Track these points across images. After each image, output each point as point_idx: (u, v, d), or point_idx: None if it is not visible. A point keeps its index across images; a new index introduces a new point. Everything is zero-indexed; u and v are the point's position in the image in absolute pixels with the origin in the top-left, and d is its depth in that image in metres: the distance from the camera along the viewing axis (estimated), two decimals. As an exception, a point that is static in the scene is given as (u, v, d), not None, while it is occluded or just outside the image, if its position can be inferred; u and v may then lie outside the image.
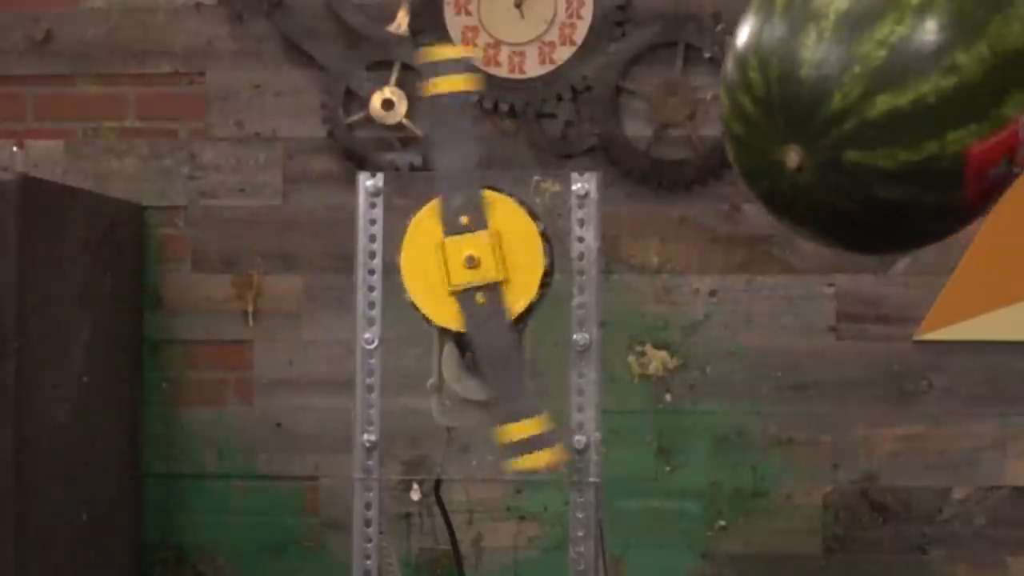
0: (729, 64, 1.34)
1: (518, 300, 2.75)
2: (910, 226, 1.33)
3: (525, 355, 2.78)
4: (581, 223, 2.85)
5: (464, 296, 2.74)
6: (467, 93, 2.39)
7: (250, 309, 3.87)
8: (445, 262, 2.73)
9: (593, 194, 2.85)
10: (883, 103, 1.22)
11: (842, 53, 1.21)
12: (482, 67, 3.78)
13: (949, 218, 1.33)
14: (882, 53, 1.22)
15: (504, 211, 2.77)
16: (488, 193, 2.78)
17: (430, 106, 2.46)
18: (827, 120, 1.23)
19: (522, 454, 2.63)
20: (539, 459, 2.59)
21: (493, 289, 2.74)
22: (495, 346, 2.74)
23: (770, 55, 1.25)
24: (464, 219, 2.66)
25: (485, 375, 2.70)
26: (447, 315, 2.77)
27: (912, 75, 1.21)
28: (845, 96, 1.22)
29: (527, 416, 2.60)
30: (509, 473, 2.64)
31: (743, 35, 1.33)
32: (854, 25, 1.22)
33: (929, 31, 1.22)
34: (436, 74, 2.51)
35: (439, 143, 2.57)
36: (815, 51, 1.22)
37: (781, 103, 1.26)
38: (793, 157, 1.26)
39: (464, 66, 2.52)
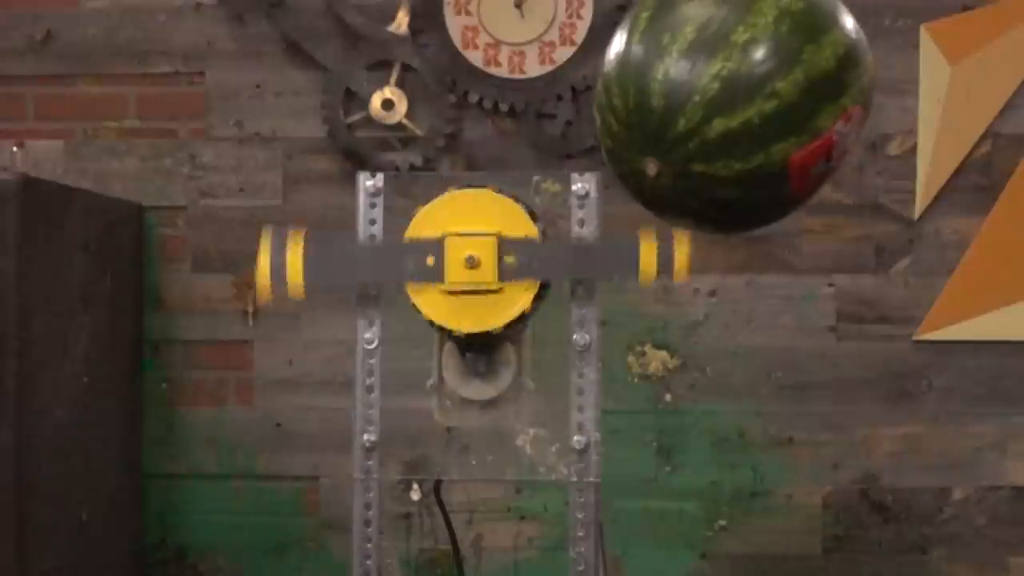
0: (599, 87, 1.63)
1: (518, 301, 2.75)
2: (749, 216, 1.66)
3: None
4: (581, 223, 2.85)
5: (504, 275, 2.70)
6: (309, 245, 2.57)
7: (250, 309, 3.87)
8: (444, 260, 2.73)
9: (593, 194, 2.85)
10: (719, 125, 1.53)
11: (684, 85, 1.51)
12: (483, 68, 3.79)
13: (780, 208, 1.66)
14: (716, 85, 1.52)
15: (504, 211, 2.77)
16: (488, 193, 2.78)
17: None
18: (675, 140, 1.53)
19: (674, 271, 2.55)
20: (683, 254, 2.47)
21: (503, 244, 2.70)
22: (563, 254, 2.68)
23: (629, 85, 1.55)
24: (431, 260, 2.66)
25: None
26: (447, 315, 2.77)
27: (740, 102, 1.52)
28: (688, 121, 1.53)
29: (635, 246, 2.52)
30: (681, 280, 2.57)
31: (609, 62, 1.61)
32: (693, 62, 1.52)
33: (753, 64, 1.52)
34: None
35: (350, 283, 2.67)
36: (663, 84, 1.52)
37: (639, 125, 1.56)
38: (651, 167, 1.58)
39: (281, 246, 2.60)
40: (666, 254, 2.57)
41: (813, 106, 1.57)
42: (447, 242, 2.71)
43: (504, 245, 2.66)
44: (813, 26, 1.57)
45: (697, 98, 1.53)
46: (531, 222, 2.74)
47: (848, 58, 1.59)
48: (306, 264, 2.67)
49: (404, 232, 2.78)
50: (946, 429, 3.74)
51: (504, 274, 2.65)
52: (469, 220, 2.76)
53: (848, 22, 1.64)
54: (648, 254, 2.64)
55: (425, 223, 2.77)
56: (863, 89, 1.63)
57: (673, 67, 1.53)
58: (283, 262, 2.63)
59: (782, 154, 1.57)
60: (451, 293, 2.73)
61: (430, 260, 2.70)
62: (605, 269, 2.54)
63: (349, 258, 2.67)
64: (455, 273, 2.72)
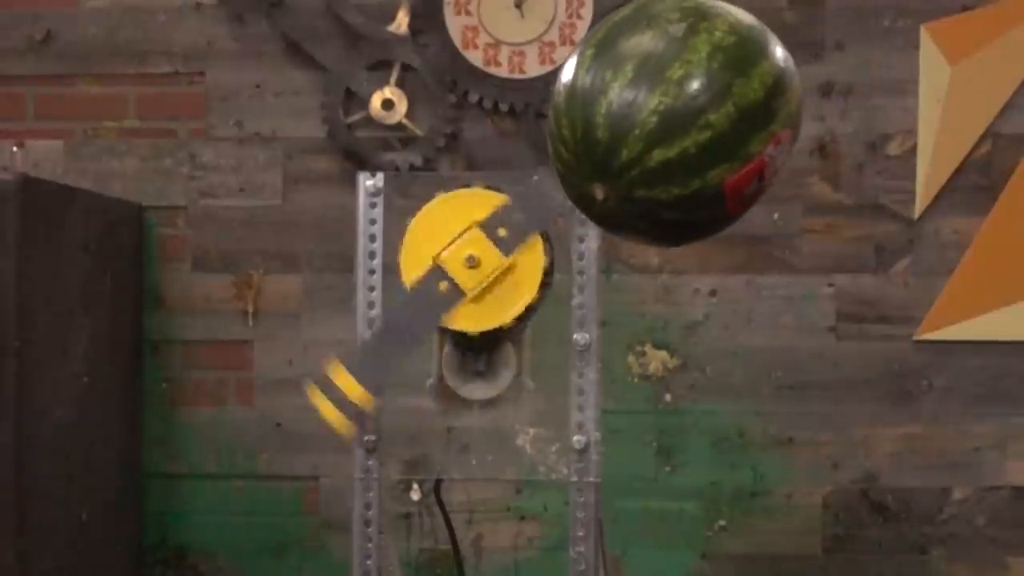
0: (550, 116, 1.76)
1: (518, 300, 2.76)
2: (691, 233, 1.79)
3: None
4: (581, 223, 2.85)
5: (436, 271, 2.73)
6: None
7: (250, 309, 3.87)
8: (456, 239, 2.73)
9: (593, 194, 2.85)
10: (658, 155, 1.66)
11: (626, 119, 1.65)
12: (483, 68, 3.79)
13: (719, 224, 1.77)
14: (654, 119, 1.65)
15: (484, 204, 2.77)
16: (488, 193, 2.78)
17: None
18: (620, 168, 1.67)
19: (325, 394, 2.72)
20: (329, 410, 2.70)
21: (457, 293, 2.73)
22: (409, 326, 2.74)
23: (576, 118, 1.69)
24: (503, 232, 2.69)
25: (381, 331, 2.77)
26: (450, 315, 2.77)
27: (677, 134, 1.65)
28: (630, 152, 1.66)
29: (364, 385, 2.69)
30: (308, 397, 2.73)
31: (559, 92, 1.75)
32: (632, 99, 1.67)
33: (688, 99, 1.65)
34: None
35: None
36: (607, 117, 1.66)
37: (586, 155, 1.69)
38: (599, 193, 1.71)
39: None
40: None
41: (744, 134, 1.71)
42: (441, 260, 2.72)
43: (487, 226, 2.71)
44: (743, 59, 1.72)
45: (638, 131, 1.67)
46: (539, 241, 2.75)
47: (776, 87, 1.76)
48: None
49: (406, 229, 2.80)
50: (946, 429, 3.74)
51: (507, 245, 2.69)
52: (458, 223, 2.76)
53: (777, 51, 1.78)
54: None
55: (425, 222, 2.78)
56: (791, 113, 1.80)
57: (616, 102, 1.68)
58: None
59: (717, 179, 1.71)
60: (434, 259, 2.74)
61: (442, 286, 2.73)
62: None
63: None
64: (452, 260, 2.73)
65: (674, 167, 1.68)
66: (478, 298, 2.75)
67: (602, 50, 1.72)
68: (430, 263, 2.74)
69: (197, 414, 3.88)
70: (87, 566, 3.51)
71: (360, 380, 2.71)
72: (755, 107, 1.72)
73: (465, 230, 2.73)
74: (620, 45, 1.70)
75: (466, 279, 2.74)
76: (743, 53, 1.71)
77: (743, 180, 1.73)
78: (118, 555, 3.73)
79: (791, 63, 1.81)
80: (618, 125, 1.67)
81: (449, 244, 2.73)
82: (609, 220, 1.78)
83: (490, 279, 2.73)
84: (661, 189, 1.70)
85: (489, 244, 2.75)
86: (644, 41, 1.69)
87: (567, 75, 1.75)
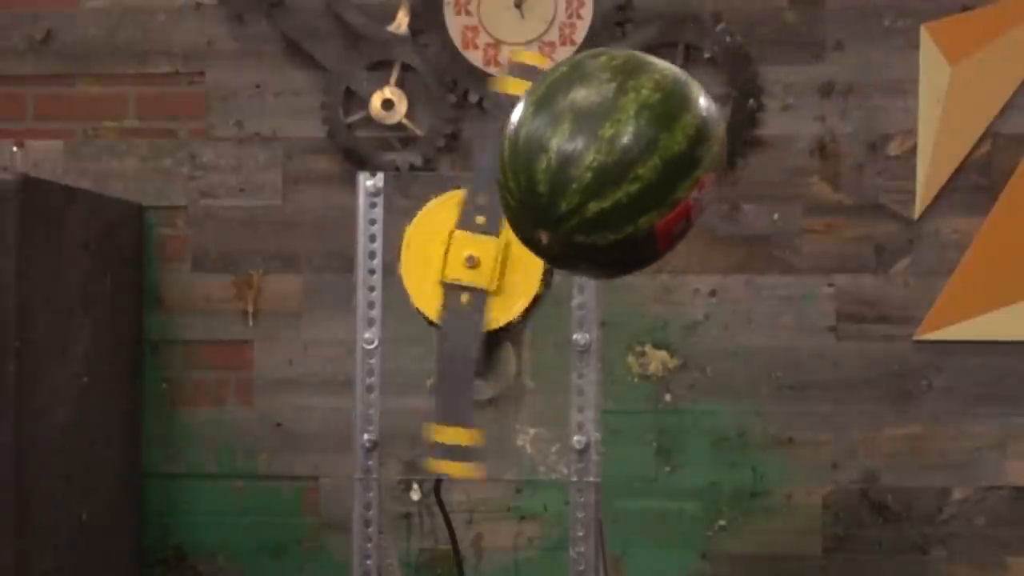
0: (498, 166, 1.93)
1: (516, 302, 2.76)
2: (627, 269, 1.97)
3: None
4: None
5: (450, 290, 2.75)
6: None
7: (250, 309, 3.87)
8: (446, 253, 2.74)
9: (592, 194, 2.85)
10: (593, 207, 1.83)
11: (564, 175, 1.82)
12: (483, 68, 3.79)
13: (652, 260, 1.95)
14: (589, 175, 1.82)
15: None
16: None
17: (490, 102, 2.78)
18: (560, 218, 1.83)
19: (443, 458, 2.79)
20: (456, 468, 2.80)
21: (480, 296, 2.75)
22: (460, 348, 2.76)
23: (519, 172, 1.85)
24: (480, 219, 2.71)
25: (438, 372, 2.81)
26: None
27: (609, 187, 1.82)
28: (569, 204, 1.82)
29: (461, 424, 2.79)
30: (428, 472, 2.83)
31: (504, 146, 1.91)
32: (568, 156, 1.82)
33: (618, 155, 1.82)
34: (511, 74, 2.75)
35: (485, 138, 2.79)
36: (546, 173, 1.82)
37: (530, 205, 1.86)
38: (543, 238, 1.87)
39: (533, 75, 2.65)
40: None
41: (671, 183, 1.86)
42: (455, 236, 2.74)
43: (478, 299, 2.78)
44: (667, 115, 1.87)
45: (575, 185, 1.83)
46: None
47: (698, 136, 1.89)
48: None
49: (406, 228, 2.81)
50: (946, 429, 3.74)
51: (491, 227, 2.78)
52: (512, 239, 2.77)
53: (699, 101, 1.92)
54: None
55: (425, 221, 2.78)
56: (714, 157, 1.93)
57: (554, 159, 1.83)
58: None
59: (648, 224, 1.87)
60: (441, 283, 2.74)
61: (464, 298, 2.80)
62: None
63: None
64: (453, 268, 2.74)
65: (609, 216, 1.85)
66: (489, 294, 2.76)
67: (541, 107, 1.88)
68: (437, 288, 2.77)
69: (197, 414, 3.88)
70: (87, 566, 3.51)
71: (458, 423, 2.79)
72: (680, 157, 1.87)
73: (447, 249, 2.76)
74: (558, 103, 1.86)
75: (478, 279, 2.76)
76: (667, 108, 1.87)
77: (672, 223, 1.89)
78: (118, 555, 3.73)
79: (713, 109, 1.95)
80: (557, 180, 1.83)
81: (443, 267, 2.78)
82: (554, 260, 1.96)
83: (501, 265, 2.75)
84: (598, 236, 1.87)
85: (478, 238, 2.75)
86: (579, 100, 1.85)
87: (511, 130, 1.91)
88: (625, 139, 1.83)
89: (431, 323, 2.82)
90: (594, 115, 1.83)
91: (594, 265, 1.98)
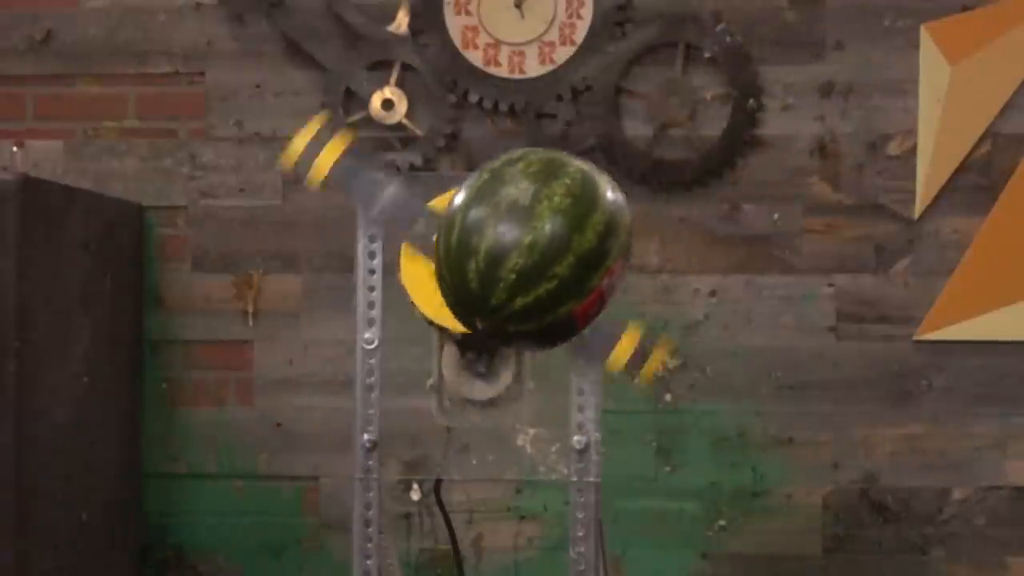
0: (435, 259, 2.19)
1: None
2: (553, 345, 2.24)
3: None
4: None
5: None
6: (349, 150, 2.90)
7: (250, 309, 3.87)
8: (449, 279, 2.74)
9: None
10: (519, 302, 2.10)
11: (491, 276, 2.09)
12: (483, 68, 3.79)
13: (573, 335, 2.21)
14: (513, 276, 2.08)
15: None
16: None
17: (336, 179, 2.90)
18: (491, 310, 2.11)
19: (641, 368, 2.87)
20: (656, 361, 2.88)
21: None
22: None
23: (454, 271, 2.12)
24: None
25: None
26: (447, 315, 2.77)
27: (531, 286, 2.09)
28: (497, 299, 2.10)
29: (617, 335, 2.88)
30: (644, 383, 2.94)
31: (439, 244, 2.18)
32: (494, 259, 2.08)
33: (537, 257, 2.09)
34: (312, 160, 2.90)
35: (361, 200, 2.93)
36: (476, 274, 2.09)
37: (465, 299, 2.13)
38: (478, 323, 2.15)
39: (323, 139, 2.87)
40: (641, 355, 2.87)
41: (585, 275, 2.13)
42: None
43: (415, 238, 2.81)
44: (578, 217, 2.13)
45: (501, 284, 2.09)
46: None
47: (607, 230, 2.16)
48: (338, 162, 2.85)
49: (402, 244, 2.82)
50: (946, 429, 3.74)
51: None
52: None
53: (607, 197, 2.18)
54: (626, 347, 2.88)
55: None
56: (622, 246, 2.19)
57: (482, 262, 2.10)
58: (318, 151, 2.85)
59: (567, 311, 2.14)
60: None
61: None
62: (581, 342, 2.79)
63: (374, 184, 2.90)
64: None
65: (532, 309, 2.12)
66: None
67: (469, 212, 2.14)
68: (436, 288, 2.79)
69: (197, 414, 3.88)
70: (87, 566, 3.51)
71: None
72: (591, 253, 2.13)
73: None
74: (483, 210, 2.12)
75: None
76: (577, 211, 2.13)
77: (588, 307, 2.16)
78: (118, 555, 3.73)
79: (620, 200, 2.21)
80: (487, 280, 2.10)
81: None
82: (491, 339, 2.22)
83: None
84: (525, 324, 2.14)
85: None
86: (501, 207, 2.12)
87: (444, 232, 2.18)
88: (542, 243, 2.09)
89: (430, 323, 2.82)
90: (514, 222, 2.10)
91: (525, 344, 2.31)
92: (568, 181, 2.14)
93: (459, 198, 2.17)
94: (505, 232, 2.09)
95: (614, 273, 2.17)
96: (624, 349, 2.85)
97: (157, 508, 3.88)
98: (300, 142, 2.88)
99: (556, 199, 2.11)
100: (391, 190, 2.89)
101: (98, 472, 3.58)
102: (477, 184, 2.16)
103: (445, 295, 2.19)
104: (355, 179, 2.91)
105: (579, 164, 2.21)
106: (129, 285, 3.80)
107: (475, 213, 2.12)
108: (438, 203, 2.81)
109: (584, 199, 2.14)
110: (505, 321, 2.12)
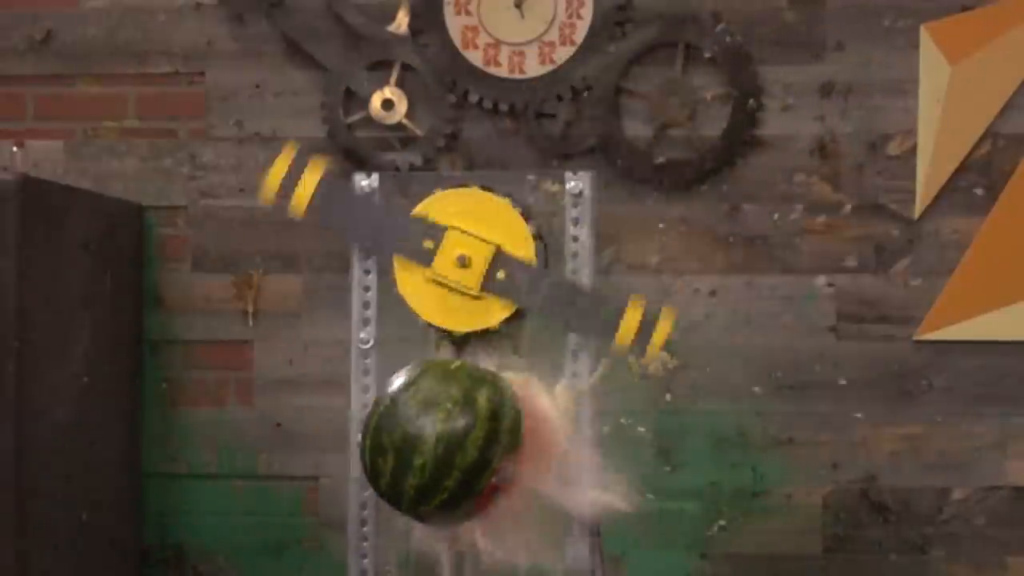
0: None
1: (497, 311, 2.77)
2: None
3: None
4: (575, 222, 2.85)
5: (490, 286, 2.76)
6: (325, 178, 2.88)
7: (250, 309, 3.87)
8: (450, 282, 2.75)
9: (587, 193, 2.85)
10: (423, 510, 2.51)
11: (396, 491, 2.49)
12: (483, 68, 3.79)
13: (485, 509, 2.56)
14: (412, 492, 2.47)
15: (497, 211, 2.78)
16: (480, 192, 2.80)
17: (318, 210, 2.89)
18: (405, 511, 2.54)
19: (650, 344, 2.82)
20: (662, 332, 2.83)
21: (500, 258, 2.75)
22: (546, 290, 2.77)
23: (371, 482, 2.55)
24: (428, 244, 2.72)
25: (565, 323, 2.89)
26: (443, 314, 2.78)
27: (429, 497, 2.47)
28: (405, 507, 2.51)
29: (622, 309, 2.82)
30: (653, 357, 2.88)
31: (361, 459, 2.57)
32: (396, 480, 2.47)
33: (428, 477, 2.45)
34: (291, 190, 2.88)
35: (347, 229, 2.98)
36: (384, 490, 2.52)
37: (385, 500, 2.56)
38: (403, 515, 2.56)
39: (300, 167, 2.87)
40: (647, 329, 2.80)
41: (475, 481, 2.48)
42: (448, 233, 2.74)
43: (501, 260, 2.73)
44: (459, 436, 2.46)
45: (404, 498, 2.49)
46: (531, 242, 2.76)
47: (487, 442, 2.48)
48: (317, 190, 2.83)
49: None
50: (946, 429, 3.74)
51: (488, 285, 2.74)
52: (472, 220, 2.77)
53: (485, 411, 2.50)
54: (631, 321, 2.74)
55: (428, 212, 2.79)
56: (505, 446, 2.51)
57: (387, 482, 2.50)
58: (296, 180, 2.84)
59: (468, 507, 2.51)
60: (439, 284, 2.75)
61: (428, 243, 2.74)
62: (585, 321, 2.83)
63: (356, 207, 2.92)
64: (444, 266, 2.74)
65: (435, 511, 2.51)
66: (475, 297, 2.76)
67: (373, 442, 2.51)
68: (428, 286, 2.79)
69: (197, 414, 3.88)
70: (87, 566, 3.52)
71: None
72: (475, 464, 2.47)
73: (493, 243, 2.79)
74: (383, 439, 2.48)
75: (468, 279, 2.76)
76: (457, 432, 2.45)
77: (485, 502, 2.50)
78: (118, 555, 3.73)
79: (500, 402, 2.52)
80: (393, 493, 2.50)
81: (473, 235, 2.81)
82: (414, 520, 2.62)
83: (457, 288, 2.75)
84: (434, 519, 2.55)
85: (474, 240, 2.75)
86: (395, 438, 2.47)
87: (360, 451, 2.57)
88: (431, 464, 2.44)
89: (426, 321, 2.82)
90: (407, 449, 2.45)
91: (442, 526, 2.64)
92: (449, 406, 2.48)
93: (370, 421, 2.54)
94: (400, 461, 2.46)
95: (502, 469, 2.50)
96: (629, 325, 2.82)
97: (157, 508, 3.88)
98: (275, 177, 2.86)
99: (439, 425, 2.45)
100: (371, 214, 2.88)
101: (98, 472, 3.59)
102: (378, 412, 2.53)
103: (372, 489, 2.61)
104: (334, 207, 2.88)
105: (460, 379, 2.53)
106: (129, 285, 3.80)
107: (377, 439, 2.50)
108: (422, 208, 2.81)
109: (462, 421, 2.47)
110: (417, 518, 2.55)
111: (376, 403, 2.55)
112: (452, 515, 2.52)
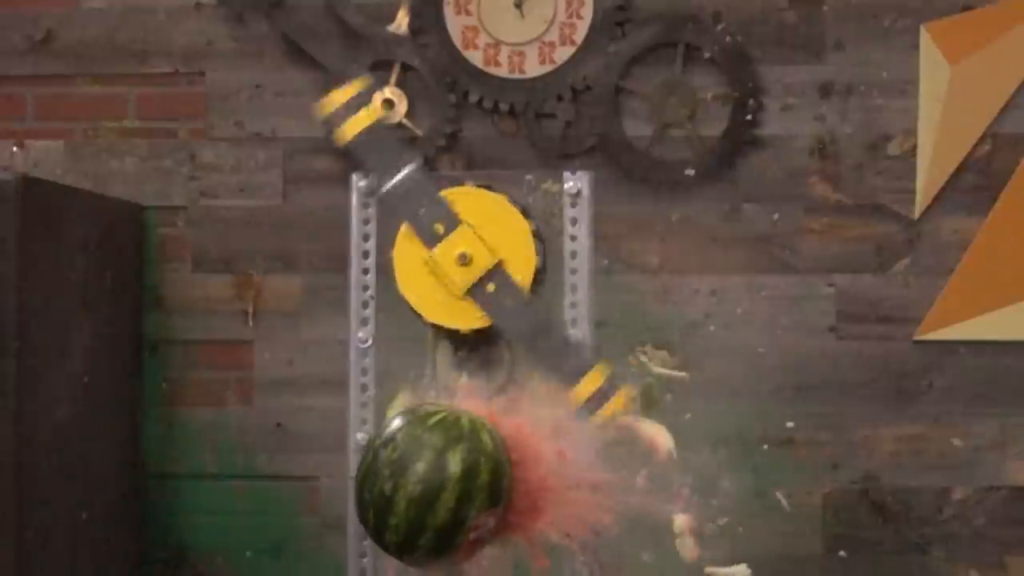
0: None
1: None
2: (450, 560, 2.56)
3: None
4: (574, 222, 2.86)
5: (475, 292, 2.76)
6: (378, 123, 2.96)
7: (250, 309, 3.87)
8: (442, 272, 2.74)
9: (586, 193, 2.86)
10: (406, 559, 2.50)
11: (380, 542, 2.48)
12: (483, 68, 3.79)
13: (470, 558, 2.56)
14: (393, 546, 2.47)
15: (496, 210, 2.78)
16: (479, 191, 2.80)
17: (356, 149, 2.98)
18: (392, 555, 2.51)
19: (600, 409, 2.91)
20: (612, 407, 2.92)
21: (497, 273, 2.76)
22: (524, 320, 2.78)
23: (363, 526, 2.53)
24: (439, 228, 2.72)
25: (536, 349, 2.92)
26: (441, 313, 2.78)
27: (407, 553, 2.47)
28: (392, 554, 2.50)
29: (586, 370, 2.91)
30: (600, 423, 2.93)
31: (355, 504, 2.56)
32: (379, 534, 2.47)
33: (404, 535, 2.44)
34: (344, 120, 2.96)
35: (377, 170, 2.98)
36: (371, 537, 2.51)
37: (374, 544, 2.54)
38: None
39: (360, 101, 2.94)
40: (603, 397, 2.90)
41: (450, 539, 2.45)
42: (461, 228, 2.75)
43: (497, 274, 2.76)
44: (429, 499, 2.43)
45: (389, 549, 2.49)
46: (524, 221, 2.76)
47: (460, 501, 2.43)
48: (365, 130, 2.92)
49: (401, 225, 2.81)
50: (946, 429, 3.74)
51: (474, 292, 2.76)
52: (489, 226, 2.78)
53: (456, 472, 2.44)
54: (588, 385, 2.91)
55: (411, 235, 2.79)
56: (483, 502, 2.45)
57: (371, 532, 2.50)
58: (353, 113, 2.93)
59: (449, 559, 2.49)
60: (430, 270, 2.75)
61: (439, 227, 2.76)
62: (551, 360, 2.89)
63: (396, 157, 2.93)
64: (444, 255, 2.74)
65: (420, 562, 2.50)
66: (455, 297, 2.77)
67: (358, 495, 2.51)
68: (429, 284, 2.78)
69: (197, 414, 3.88)
70: (87, 566, 3.51)
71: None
72: (448, 524, 2.44)
73: (496, 253, 2.81)
74: (365, 495, 2.48)
75: (469, 276, 2.76)
76: (428, 495, 2.43)
77: (466, 555, 2.49)
78: (118, 555, 3.73)
79: (474, 459, 2.46)
80: (379, 543, 2.50)
81: (482, 240, 2.82)
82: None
83: (480, 275, 2.75)
84: (422, 566, 2.54)
85: (479, 241, 2.76)
86: (374, 496, 2.46)
87: (354, 502, 2.58)
88: (405, 526, 2.44)
89: (425, 321, 2.82)
90: (383, 508, 2.45)
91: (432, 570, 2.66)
92: (421, 468, 2.46)
93: (359, 469, 2.54)
94: (378, 519, 2.47)
95: (480, 525, 2.46)
96: (585, 388, 2.88)
97: (157, 508, 3.88)
98: (340, 96, 2.92)
99: (409, 488, 2.44)
100: (409, 168, 2.89)
101: (98, 472, 3.59)
102: (365, 463, 2.53)
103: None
104: (377, 149, 2.92)
105: (435, 440, 2.48)
106: (129, 285, 3.80)
107: (360, 495, 2.51)
108: (450, 194, 2.82)
109: (433, 483, 2.45)
110: (408, 564, 2.55)
111: (367, 447, 2.56)
112: (437, 563, 2.53)
